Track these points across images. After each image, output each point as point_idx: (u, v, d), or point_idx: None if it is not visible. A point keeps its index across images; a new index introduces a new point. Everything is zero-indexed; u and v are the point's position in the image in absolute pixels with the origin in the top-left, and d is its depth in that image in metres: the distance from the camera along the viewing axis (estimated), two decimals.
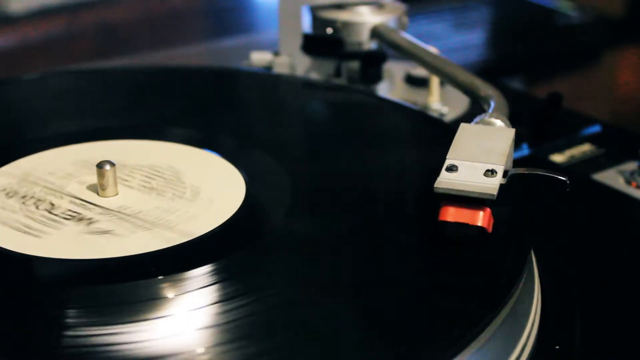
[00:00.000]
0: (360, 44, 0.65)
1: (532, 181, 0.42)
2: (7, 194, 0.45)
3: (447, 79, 0.57)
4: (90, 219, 0.43)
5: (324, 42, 0.66)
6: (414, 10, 0.74)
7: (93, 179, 0.46)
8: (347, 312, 0.37)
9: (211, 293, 0.37)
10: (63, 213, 0.44)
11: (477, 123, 0.46)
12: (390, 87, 0.68)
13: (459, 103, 0.66)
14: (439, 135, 0.52)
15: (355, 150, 0.51)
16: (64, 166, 0.48)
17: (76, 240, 0.41)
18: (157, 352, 0.34)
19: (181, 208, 0.44)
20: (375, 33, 0.65)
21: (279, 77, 0.65)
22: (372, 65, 0.66)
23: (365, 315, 0.37)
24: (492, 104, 0.49)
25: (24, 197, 0.45)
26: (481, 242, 0.40)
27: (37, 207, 0.44)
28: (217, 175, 0.48)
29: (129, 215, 0.43)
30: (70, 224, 0.43)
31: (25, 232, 0.42)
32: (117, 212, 0.44)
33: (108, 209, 0.44)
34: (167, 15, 1.12)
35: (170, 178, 0.47)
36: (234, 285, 0.38)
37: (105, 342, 0.34)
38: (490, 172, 0.41)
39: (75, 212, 0.44)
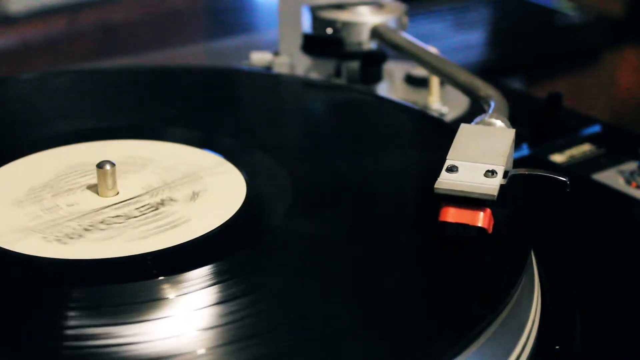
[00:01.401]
0: (360, 44, 0.65)
1: (532, 182, 0.42)
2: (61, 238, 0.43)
3: (447, 79, 0.57)
4: (162, 200, 0.44)
5: (324, 42, 0.66)
6: (414, 10, 0.74)
7: (93, 179, 0.46)
8: (347, 312, 0.37)
9: (211, 293, 0.37)
10: (146, 209, 0.44)
11: (477, 123, 0.46)
12: (390, 87, 0.68)
13: (459, 103, 0.66)
14: (439, 135, 0.51)
15: (356, 150, 0.51)
16: (64, 166, 0.48)
17: (206, 208, 0.43)
18: (158, 353, 0.34)
19: (181, 208, 0.44)
20: (375, 33, 0.65)
21: (279, 77, 0.65)
22: (372, 65, 0.66)
23: (365, 315, 0.37)
24: (492, 104, 0.49)
25: (92, 225, 0.43)
26: (481, 242, 0.40)
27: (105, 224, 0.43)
28: (217, 176, 0.48)
29: (131, 214, 0.44)
30: (176, 204, 0.44)
31: (172, 228, 0.42)
32: (159, 187, 0.44)
33: (147, 191, 0.44)
34: (167, 15, 1.12)
35: (170, 178, 0.47)
36: (234, 285, 0.38)
37: (105, 342, 0.34)
38: (491, 173, 0.41)
39: (145, 205, 0.44)
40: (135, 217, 0.43)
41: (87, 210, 0.44)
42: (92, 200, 0.45)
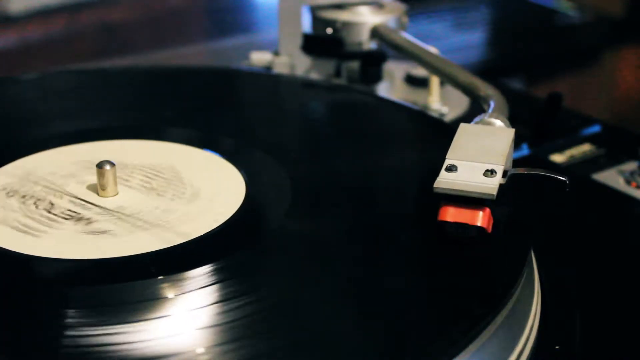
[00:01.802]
0: (360, 44, 0.65)
1: (532, 181, 0.42)
2: (7, 193, 0.45)
3: (447, 79, 0.57)
4: (89, 218, 0.43)
5: (324, 42, 0.66)
6: (414, 10, 0.74)
7: (93, 178, 0.46)
8: (346, 312, 0.37)
9: (211, 293, 0.37)
10: (62, 212, 0.44)
11: (476, 123, 0.46)
12: (390, 87, 0.68)
13: (459, 103, 0.66)
14: (439, 135, 0.51)
15: (355, 150, 0.51)
16: (64, 166, 0.48)
17: (74, 240, 0.41)
18: (157, 352, 0.34)
19: (181, 208, 0.44)
20: (375, 33, 0.65)
21: (279, 77, 0.65)
22: (372, 65, 0.66)
23: (365, 315, 0.37)
24: (492, 104, 0.49)
25: (23, 196, 0.45)
26: (481, 242, 0.40)
27: (36, 207, 0.44)
28: (217, 176, 0.48)
29: (128, 215, 0.43)
30: (69, 223, 0.43)
31: (24, 232, 0.42)
32: (116, 212, 0.44)
33: (107, 208, 0.44)
34: (167, 15, 1.12)
35: (170, 178, 0.47)
36: (233, 285, 0.38)
37: (106, 342, 0.34)
38: (490, 172, 0.41)
39: (74, 211, 0.44)
40: (134, 217, 0.43)
41: (86, 210, 0.44)
42: (92, 200, 0.45)
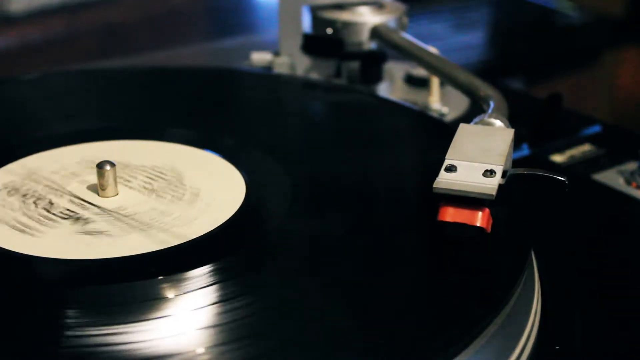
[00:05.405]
0: (360, 44, 0.65)
1: (532, 182, 0.42)
2: (8, 192, 0.45)
3: (447, 79, 0.57)
4: (86, 218, 0.43)
5: (324, 42, 0.66)
6: (414, 10, 0.74)
7: (94, 179, 0.46)
8: (346, 312, 0.37)
9: (210, 293, 0.37)
10: (60, 212, 0.44)
11: (476, 123, 0.46)
12: (390, 87, 0.68)
13: (459, 103, 0.66)
14: (438, 136, 0.51)
15: (355, 151, 0.51)
16: (66, 165, 0.48)
17: (72, 240, 0.41)
18: (157, 353, 0.34)
19: (181, 209, 0.44)
20: (376, 33, 0.65)
21: (279, 77, 0.65)
22: (372, 65, 0.66)
23: (364, 315, 0.37)
24: (492, 104, 0.49)
25: (24, 195, 0.45)
26: (480, 242, 0.40)
27: (35, 206, 0.44)
28: (217, 176, 0.48)
29: (127, 215, 0.44)
30: (67, 223, 0.43)
31: (22, 231, 0.42)
32: (115, 212, 0.44)
33: (105, 209, 0.44)
34: (167, 15, 1.12)
35: (171, 179, 0.47)
36: (233, 285, 0.38)
37: (105, 342, 0.34)
38: (489, 173, 0.41)
39: (72, 211, 0.44)
40: (132, 217, 0.43)
41: (84, 210, 0.44)
42: (91, 200, 0.45)
